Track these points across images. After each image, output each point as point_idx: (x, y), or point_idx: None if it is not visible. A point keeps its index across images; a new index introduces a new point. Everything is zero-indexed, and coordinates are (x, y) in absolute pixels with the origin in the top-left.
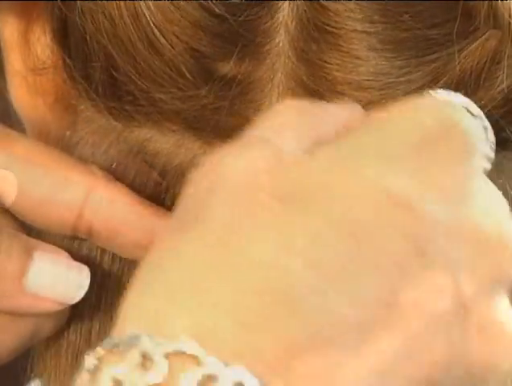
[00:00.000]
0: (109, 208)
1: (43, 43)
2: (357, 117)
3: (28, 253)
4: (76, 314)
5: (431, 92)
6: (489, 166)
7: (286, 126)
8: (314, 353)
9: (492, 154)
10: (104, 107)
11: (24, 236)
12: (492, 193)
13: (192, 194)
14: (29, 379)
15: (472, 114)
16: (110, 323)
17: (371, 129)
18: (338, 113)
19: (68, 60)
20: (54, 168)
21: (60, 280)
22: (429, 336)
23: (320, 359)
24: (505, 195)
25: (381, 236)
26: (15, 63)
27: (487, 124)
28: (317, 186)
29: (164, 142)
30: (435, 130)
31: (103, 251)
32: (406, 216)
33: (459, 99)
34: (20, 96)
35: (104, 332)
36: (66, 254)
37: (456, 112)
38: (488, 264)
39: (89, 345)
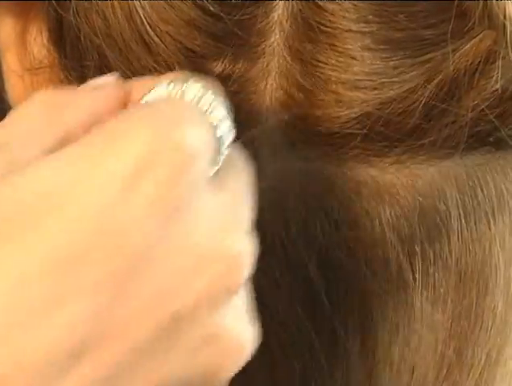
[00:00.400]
0: None
1: (39, 43)
2: (112, 103)
3: None
4: None
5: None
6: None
7: (28, 129)
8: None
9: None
10: None
11: None
12: (215, 205)
13: None
14: None
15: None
16: None
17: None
18: (90, 102)
19: (63, 59)
20: None
21: None
22: (150, 348)
23: None
24: (501, 195)
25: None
26: (12, 63)
27: (224, 131)
28: (23, 209)
29: None
30: (149, 157)
31: None
32: (118, 240)
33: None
34: (17, 95)
35: None
36: None
37: (173, 130)
38: (206, 279)
39: None
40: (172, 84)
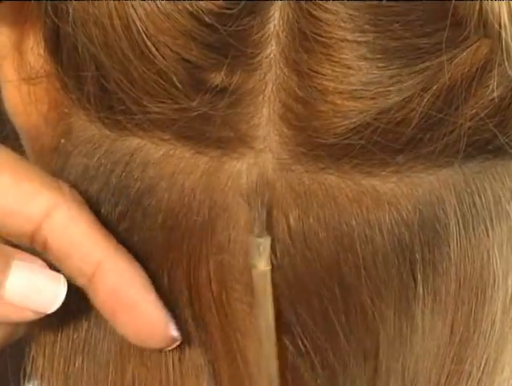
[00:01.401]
0: (65, 229)
1: (36, 53)
2: None
3: (6, 262)
4: (67, 319)
5: None
6: None
7: None
8: None
9: None
10: (96, 116)
11: (1, 245)
12: None
13: None
14: (23, 382)
15: None
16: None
17: None
18: None
19: (60, 69)
20: (22, 179)
21: (38, 289)
22: None
23: None
24: (499, 202)
25: None
26: (9, 73)
27: None
28: None
29: (155, 152)
30: None
31: None
32: None
33: None
34: (14, 105)
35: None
36: (42, 262)
37: None
38: None
39: (75, 350)
40: None
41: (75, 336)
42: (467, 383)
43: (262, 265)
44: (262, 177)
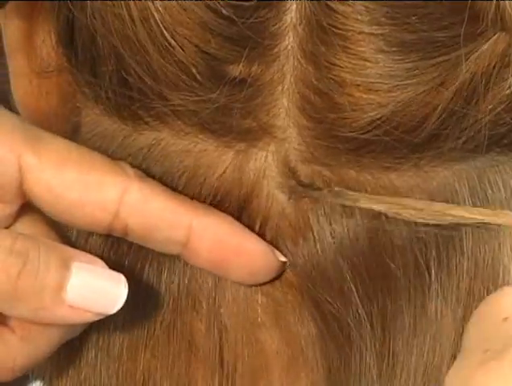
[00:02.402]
0: (144, 207)
1: (48, 45)
2: None
3: (66, 265)
4: None
5: None
6: None
7: None
8: None
9: None
10: (112, 110)
11: (61, 246)
12: None
13: None
14: (30, 381)
15: None
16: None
17: None
18: None
19: (74, 62)
20: (87, 170)
21: (99, 291)
22: None
23: None
24: (511, 198)
25: None
26: (20, 65)
27: None
28: None
29: (176, 144)
30: None
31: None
32: None
33: None
34: (24, 98)
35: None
36: (102, 263)
37: None
38: None
39: (86, 347)
40: None
41: (88, 330)
42: None
43: None
44: (288, 166)
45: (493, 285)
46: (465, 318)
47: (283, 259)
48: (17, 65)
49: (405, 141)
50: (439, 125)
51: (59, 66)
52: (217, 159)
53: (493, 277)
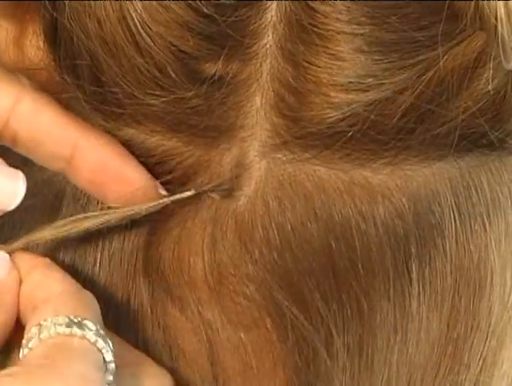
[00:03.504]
0: (34, 118)
1: (35, 46)
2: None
3: None
4: None
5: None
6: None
7: None
8: None
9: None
10: (92, 107)
11: None
12: None
13: None
14: None
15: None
16: None
17: None
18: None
19: (58, 62)
20: None
21: None
22: None
23: None
24: (496, 197)
25: None
26: (8, 65)
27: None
28: None
29: (148, 142)
30: None
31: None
32: None
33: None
34: None
35: None
36: (0, 160)
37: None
38: None
39: None
40: (71, 328)
41: None
42: (465, 378)
43: None
44: (242, 165)
45: (479, 286)
46: (451, 318)
47: (164, 192)
48: (5, 64)
49: (374, 136)
50: (413, 122)
51: (47, 65)
52: (183, 155)
53: (480, 278)
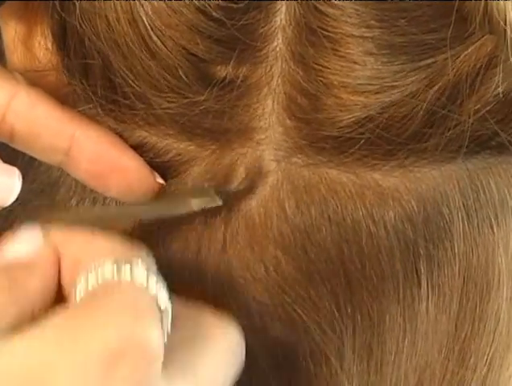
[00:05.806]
0: (30, 112)
1: (44, 47)
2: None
3: None
4: None
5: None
6: None
7: None
8: None
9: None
10: (102, 109)
11: None
12: None
13: None
14: None
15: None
16: None
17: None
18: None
19: (66, 63)
20: None
21: None
22: None
23: None
24: (504, 199)
25: None
26: (17, 66)
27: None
28: None
29: (160, 145)
30: (117, 350)
31: None
32: None
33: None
34: None
35: None
36: None
37: (138, 327)
38: None
39: None
40: (116, 266)
41: None
42: (472, 379)
43: None
44: (257, 168)
45: (487, 287)
46: (459, 319)
47: (161, 180)
48: (14, 66)
49: (387, 139)
50: (424, 125)
51: (55, 66)
52: (195, 159)
53: (487, 279)
